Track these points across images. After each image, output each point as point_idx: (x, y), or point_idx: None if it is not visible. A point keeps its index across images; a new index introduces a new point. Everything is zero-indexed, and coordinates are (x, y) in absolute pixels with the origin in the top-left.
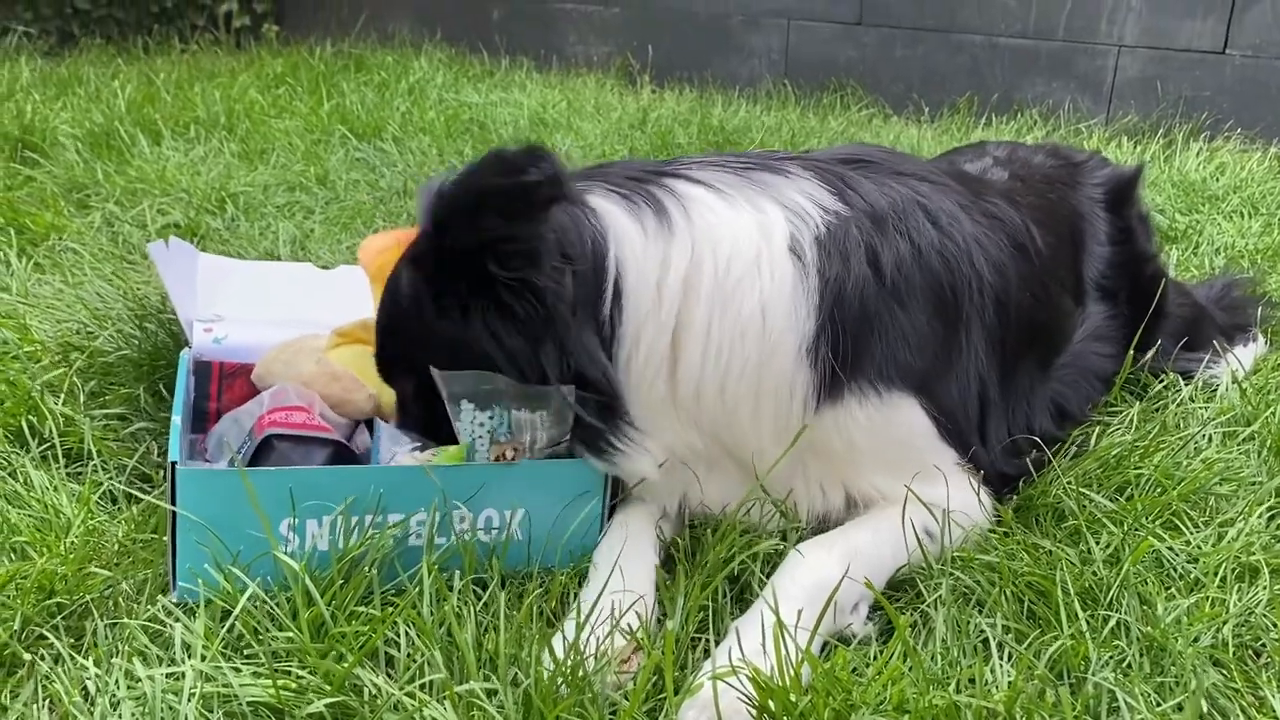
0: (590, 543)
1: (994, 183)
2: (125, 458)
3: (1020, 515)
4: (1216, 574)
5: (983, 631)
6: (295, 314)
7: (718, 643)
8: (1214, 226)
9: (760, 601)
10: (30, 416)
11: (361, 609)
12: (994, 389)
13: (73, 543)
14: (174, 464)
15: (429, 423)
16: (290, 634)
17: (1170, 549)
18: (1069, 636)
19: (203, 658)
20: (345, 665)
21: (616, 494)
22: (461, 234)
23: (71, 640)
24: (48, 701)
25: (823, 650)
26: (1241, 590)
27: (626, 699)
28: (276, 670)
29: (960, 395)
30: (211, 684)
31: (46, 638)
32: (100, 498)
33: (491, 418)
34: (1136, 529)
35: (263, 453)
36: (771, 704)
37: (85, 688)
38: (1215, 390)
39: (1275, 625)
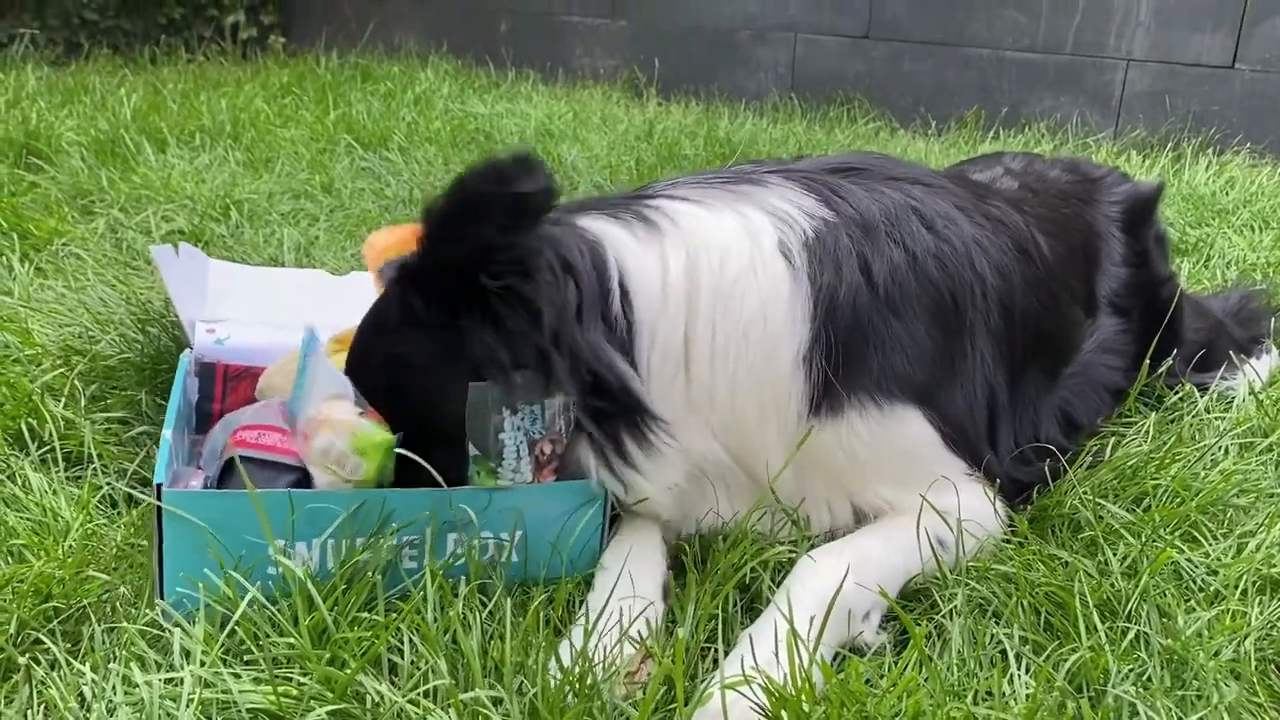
0: (592, 550)
1: (999, 189)
2: (126, 461)
3: (1036, 525)
4: (1237, 586)
5: (999, 643)
6: (303, 319)
7: (727, 652)
8: (1224, 240)
9: (771, 609)
10: (30, 419)
11: (364, 615)
12: (1003, 394)
13: (71, 546)
14: (159, 486)
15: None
16: (291, 639)
17: (1189, 561)
18: (1088, 648)
19: (202, 663)
20: (348, 672)
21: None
22: (451, 245)
23: (68, 645)
24: (43, 707)
25: (835, 660)
26: (1263, 603)
27: (635, 709)
28: (277, 677)
29: (967, 403)
30: (210, 690)
31: (43, 642)
32: (100, 501)
33: (524, 418)
34: (1154, 540)
35: (228, 473)
36: (785, 714)
37: (82, 693)
38: (1232, 401)
39: None
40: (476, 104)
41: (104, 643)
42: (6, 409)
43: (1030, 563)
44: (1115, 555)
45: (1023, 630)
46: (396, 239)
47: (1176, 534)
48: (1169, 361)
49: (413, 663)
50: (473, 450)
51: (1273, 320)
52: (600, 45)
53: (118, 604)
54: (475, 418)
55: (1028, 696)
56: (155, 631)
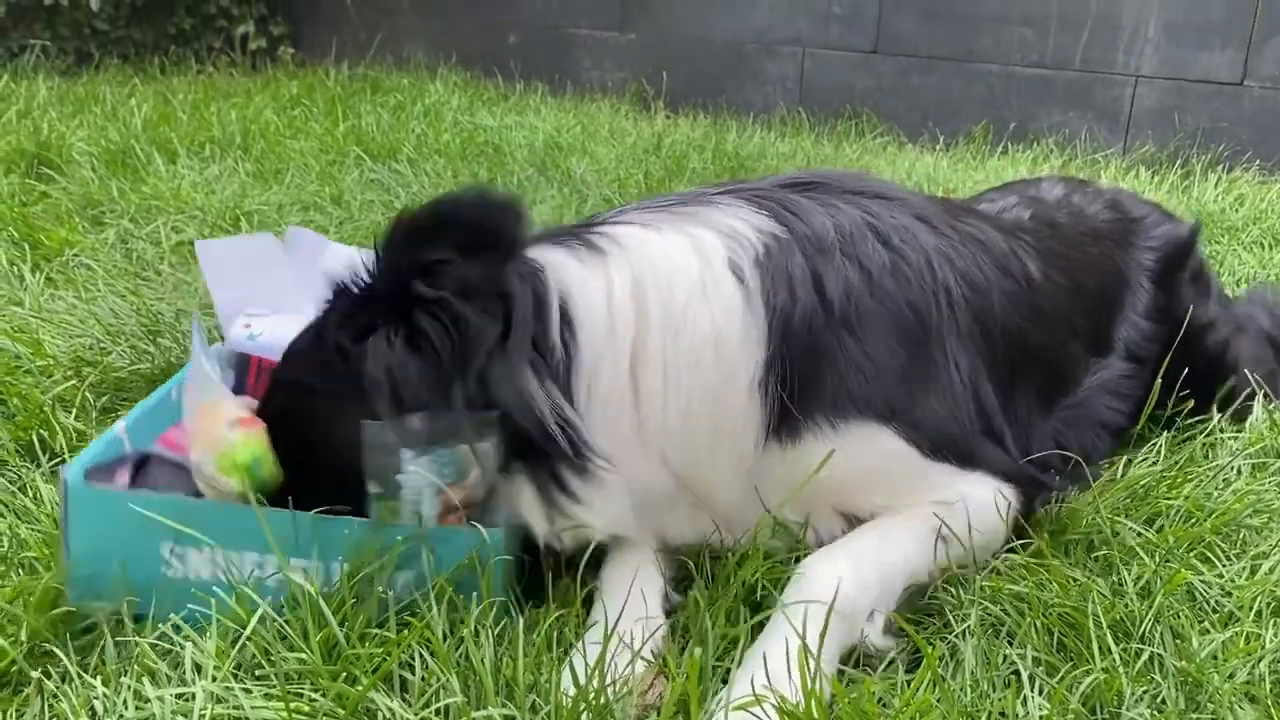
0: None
1: (992, 218)
2: None
3: (1051, 545)
4: (1251, 608)
5: (1013, 663)
6: None
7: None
8: (1235, 257)
9: (773, 624)
10: (42, 431)
11: (375, 631)
12: (990, 399)
13: None
14: (65, 479)
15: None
16: (302, 655)
17: (1203, 582)
18: (1102, 670)
19: (213, 678)
20: (359, 689)
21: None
22: (404, 254)
23: (79, 658)
24: None
25: (843, 675)
26: (1278, 625)
27: None
28: (289, 693)
29: (949, 409)
30: (222, 705)
31: (54, 654)
32: None
33: (433, 461)
34: (1168, 561)
35: (141, 469)
36: None
37: (93, 707)
38: (1244, 421)
39: None
40: (485, 116)
41: (115, 656)
42: (19, 420)
43: (1043, 582)
44: (1129, 575)
45: (1036, 651)
46: None
47: (1191, 554)
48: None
49: (423, 679)
50: (372, 489)
51: None
52: (609, 58)
53: (127, 618)
54: (372, 456)
55: (1042, 718)
56: (166, 645)
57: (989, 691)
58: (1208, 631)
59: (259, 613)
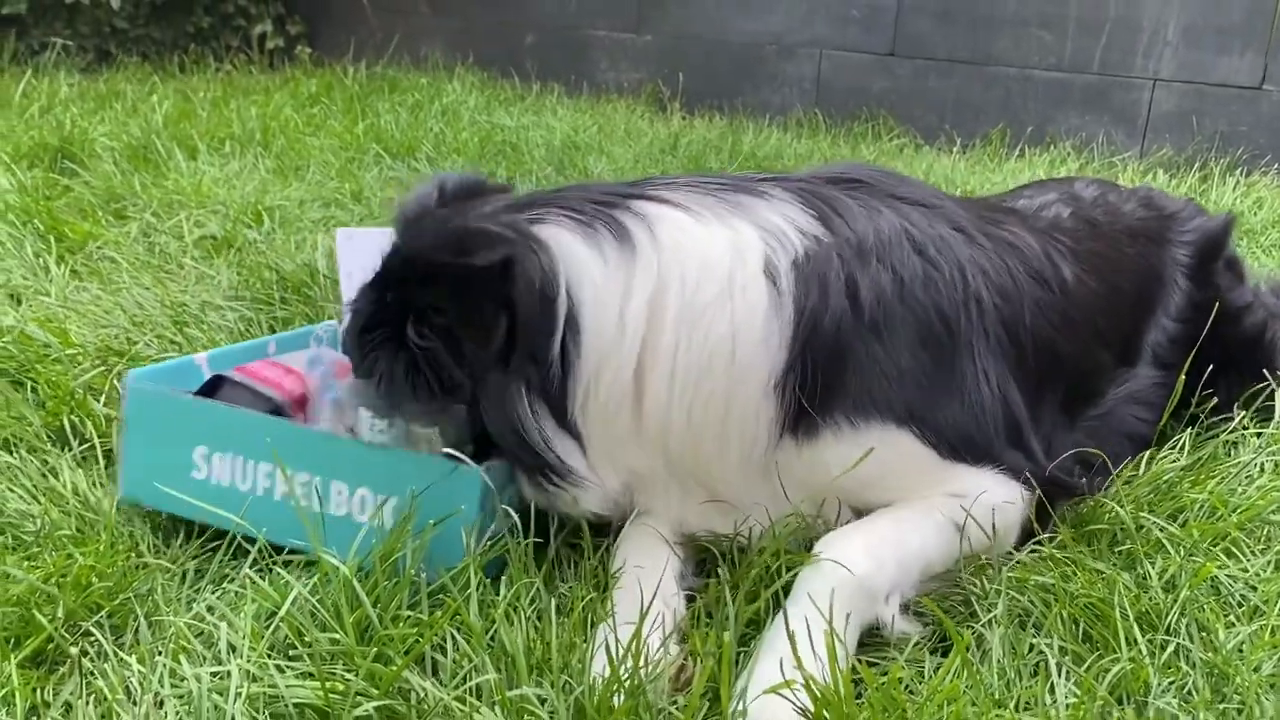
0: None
1: (1035, 217)
2: None
3: (1074, 533)
4: (1277, 603)
5: (1041, 653)
6: None
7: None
8: (1254, 260)
9: (794, 605)
10: (72, 417)
11: (409, 612)
12: (1020, 409)
13: (113, 543)
14: (128, 378)
15: None
16: (335, 635)
17: (1229, 576)
18: (1129, 660)
19: (248, 658)
20: (393, 669)
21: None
22: (398, 291)
23: (114, 637)
24: (92, 698)
25: (873, 665)
26: None
27: (679, 710)
28: (323, 672)
29: (973, 414)
30: (257, 685)
31: (91, 634)
32: None
33: (385, 430)
34: (1193, 555)
35: (213, 388)
36: (828, 715)
37: (129, 685)
38: (1270, 418)
39: None
40: (503, 116)
41: (150, 636)
42: (49, 406)
43: (1069, 574)
44: (1154, 569)
45: (1062, 641)
46: None
47: (1216, 549)
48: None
49: (455, 660)
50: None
51: None
52: (625, 59)
53: (159, 600)
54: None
55: (1069, 706)
56: (200, 625)
57: (1015, 680)
58: (1233, 625)
59: (293, 593)
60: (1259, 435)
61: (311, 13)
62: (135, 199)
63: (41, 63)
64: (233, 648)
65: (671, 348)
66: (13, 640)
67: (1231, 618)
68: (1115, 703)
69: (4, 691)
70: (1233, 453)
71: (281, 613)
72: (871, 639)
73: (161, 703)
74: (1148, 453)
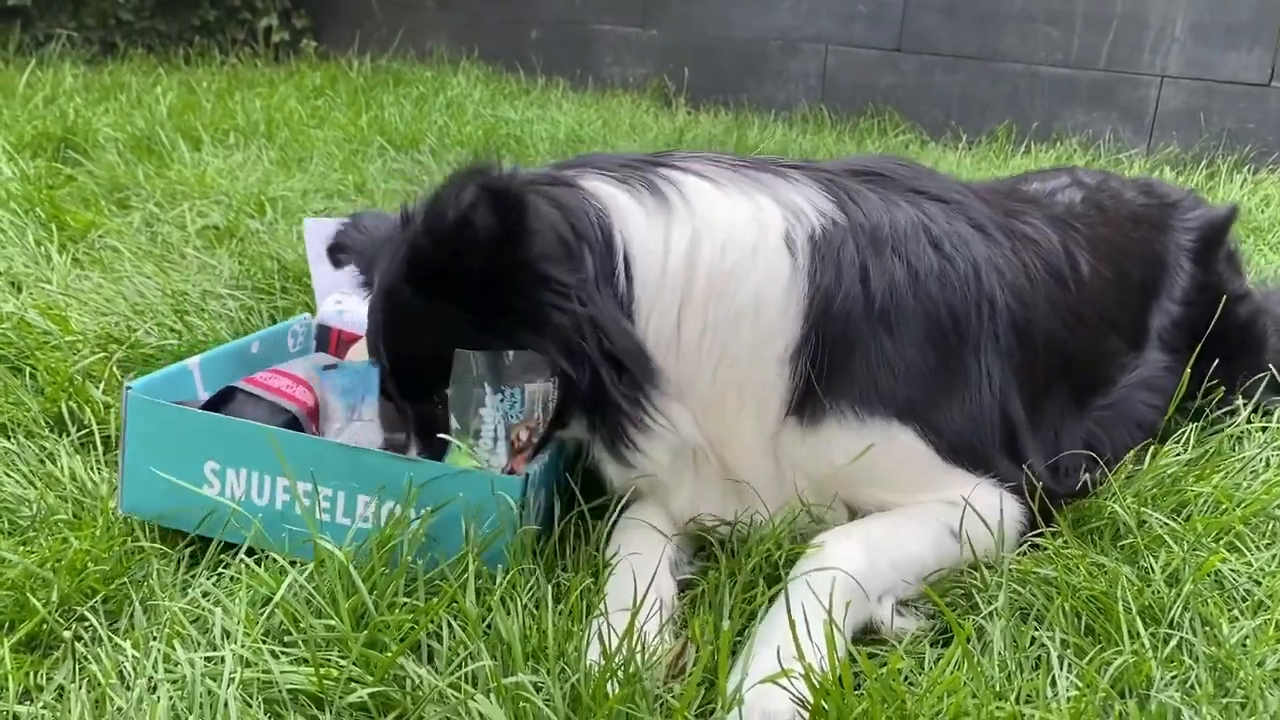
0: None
1: (1051, 203)
2: None
3: (1076, 530)
4: None
5: (1042, 646)
6: None
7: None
8: (1261, 257)
9: (789, 597)
10: (70, 403)
11: (404, 599)
12: (1018, 412)
13: (108, 528)
14: (129, 389)
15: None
16: (331, 621)
17: (1232, 570)
18: (1131, 653)
19: (242, 644)
20: (388, 655)
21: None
22: (461, 268)
23: (109, 622)
24: (85, 682)
25: (873, 657)
26: None
27: (674, 698)
28: (318, 658)
29: (972, 419)
30: (251, 670)
31: (86, 619)
32: None
33: (503, 400)
34: (1196, 549)
35: (223, 399)
36: (826, 705)
37: (122, 670)
38: (1273, 412)
39: None
40: (507, 110)
41: (145, 621)
42: (48, 392)
43: (1071, 567)
44: (1156, 563)
45: (1064, 634)
46: None
47: (1220, 543)
48: (1254, 398)
49: (451, 648)
50: (454, 424)
51: None
52: (630, 54)
53: (154, 585)
54: (458, 387)
55: (1070, 699)
56: (195, 610)
57: (1016, 673)
58: (1237, 619)
59: (288, 580)
60: (1264, 430)
61: (317, 7)
62: (138, 189)
63: (46, 54)
64: (227, 633)
65: (703, 304)
66: (6, 624)
67: (1235, 612)
68: (1117, 696)
69: None
70: (1237, 447)
71: (276, 598)
72: (872, 632)
73: (155, 687)
74: (1152, 447)
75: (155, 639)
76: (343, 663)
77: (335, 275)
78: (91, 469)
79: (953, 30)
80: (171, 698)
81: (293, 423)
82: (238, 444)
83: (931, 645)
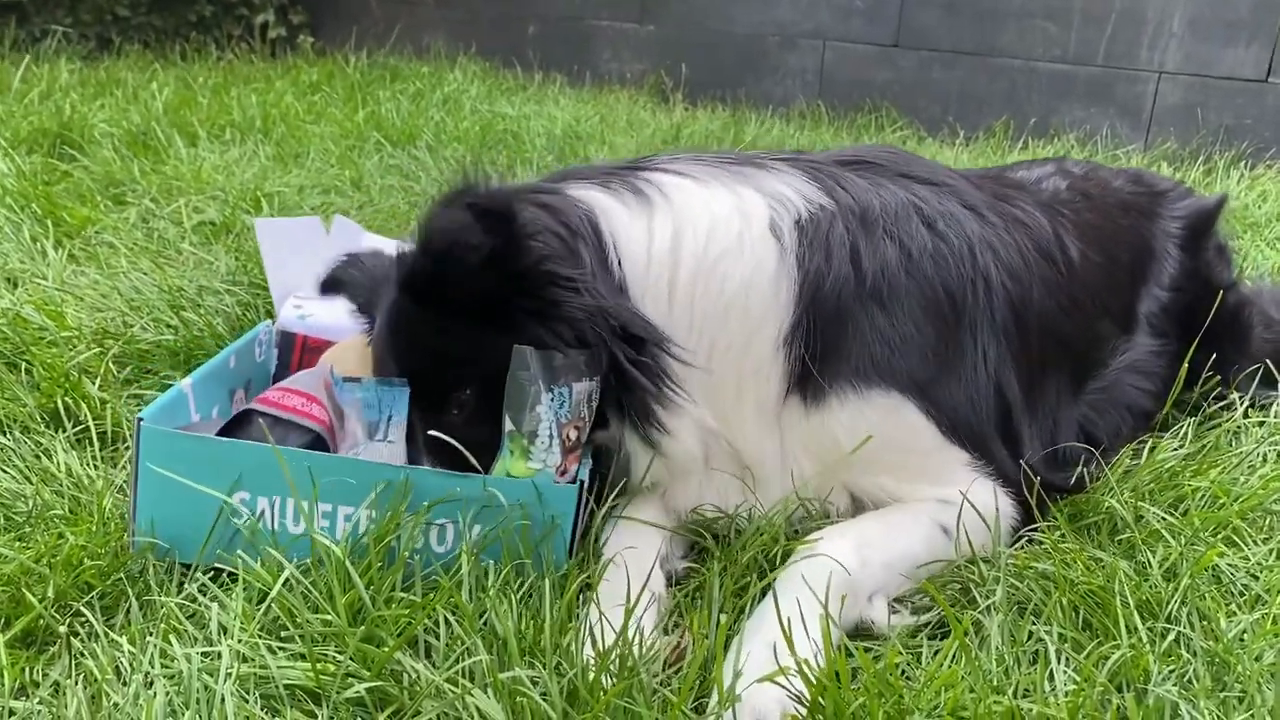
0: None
1: (1037, 190)
2: None
3: (1073, 525)
4: (1279, 591)
5: (1040, 640)
6: None
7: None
8: (1258, 252)
9: (780, 595)
10: (66, 399)
11: (401, 594)
12: (1014, 392)
13: (105, 523)
14: (140, 420)
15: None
16: (328, 617)
17: (1230, 565)
18: (1129, 647)
19: (239, 639)
20: (385, 650)
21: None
22: (466, 286)
23: (105, 618)
24: (81, 677)
25: (870, 650)
26: None
27: (673, 691)
28: (314, 653)
29: (969, 396)
30: (248, 665)
31: (82, 614)
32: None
33: (553, 399)
34: (1194, 543)
35: (241, 424)
36: (824, 701)
37: (119, 665)
38: (1270, 407)
39: None
40: (504, 105)
41: (140, 616)
42: (43, 388)
43: (1069, 562)
44: (1154, 557)
45: (1062, 628)
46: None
47: (1217, 538)
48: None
49: (448, 644)
50: (508, 425)
51: None
52: (628, 49)
53: (151, 580)
54: (515, 385)
55: (1068, 693)
56: (192, 606)
57: (1014, 667)
58: (1234, 613)
59: (285, 574)
60: (1261, 425)
61: (314, 2)
62: (134, 185)
63: (42, 50)
64: (224, 628)
65: (689, 295)
66: (2, 620)
67: (1233, 606)
68: (1115, 690)
69: None
70: (1234, 442)
71: (273, 594)
72: (865, 631)
73: (151, 683)
74: (1149, 441)
75: (151, 634)
76: (340, 658)
77: (290, 276)
78: (87, 465)
79: (950, 26)
80: (168, 693)
81: (317, 442)
82: (269, 472)
83: (929, 639)
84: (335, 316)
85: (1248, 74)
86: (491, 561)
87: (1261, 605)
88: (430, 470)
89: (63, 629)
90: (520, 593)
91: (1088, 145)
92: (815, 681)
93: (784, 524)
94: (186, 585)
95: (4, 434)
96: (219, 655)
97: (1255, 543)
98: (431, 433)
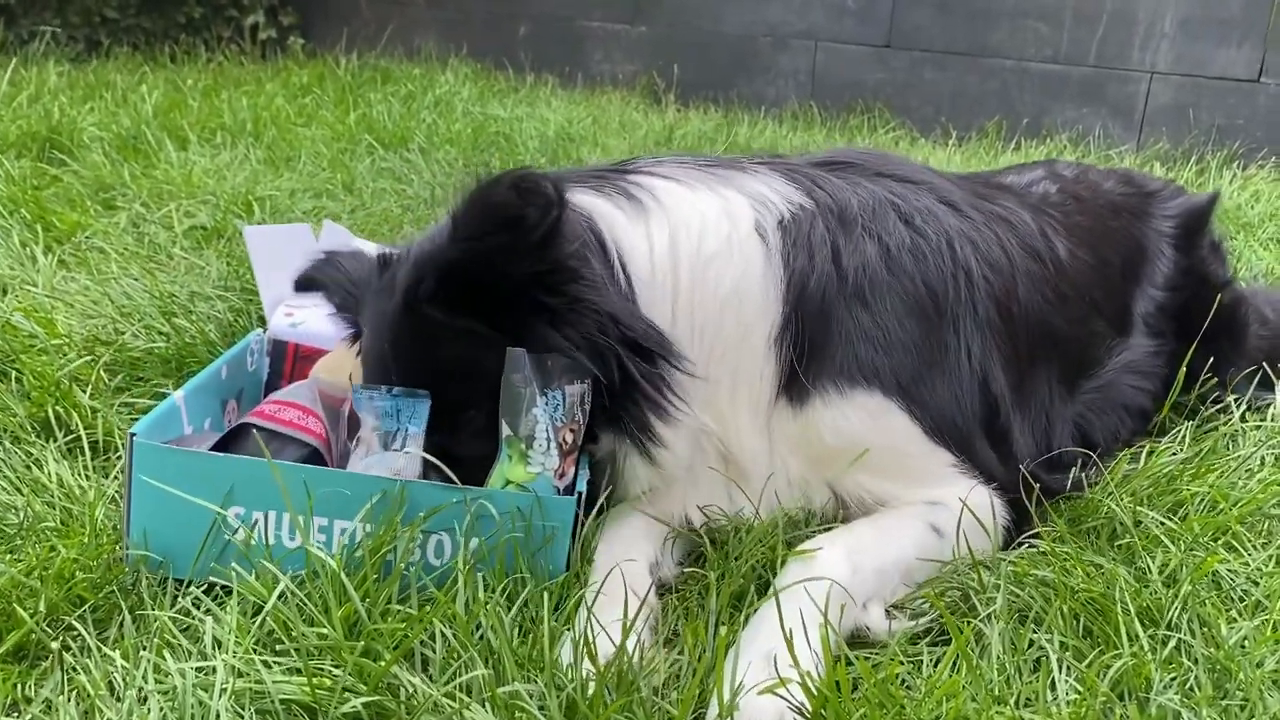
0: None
1: (1025, 194)
2: None
3: (1072, 529)
4: (1279, 597)
5: (1041, 649)
6: None
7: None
8: (1251, 252)
9: (773, 603)
10: (57, 408)
11: (398, 608)
12: (1000, 386)
13: (97, 535)
14: (133, 435)
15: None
16: (324, 630)
17: (1230, 570)
18: (1130, 656)
19: (234, 653)
20: (381, 664)
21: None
22: (496, 276)
23: (98, 632)
24: (74, 693)
25: (869, 659)
26: None
27: (673, 704)
28: (311, 668)
29: (953, 393)
30: (243, 680)
31: (74, 628)
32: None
33: (547, 402)
34: (1194, 549)
35: (237, 438)
36: (825, 713)
37: (112, 681)
38: (1267, 410)
39: None
40: (496, 107)
41: (134, 630)
42: (34, 397)
43: (1068, 568)
44: (1154, 563)
45: (1063, 636)
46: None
47: (1217, 543)
48: (1219, 383)
49: (445, 658)
50: (505, 431)
51: None
52: (620, 51)
53: (144, 593)
54: (510, 389)
55: (1070, 702)
56: (186, 619)
57: (1015, 676)
58: (1235, 620)
59: (279, 587)
60: (1259, 428)
61: (305, 4)
62: (124, 189)
63: (30, 52)
64: (218, 642)
65: (689, 298)
66: None
67: (1233, 613)
68: (1117, 699)
69: None
70: (1232, 446)
71: (268, 607)
72: (860, 638)
73: (145, 698)
74: (1147, 446)
75: (145, 649)
76: (336, 672)
77: (281, 284)
78: (79, 475)
79: (943, 26)
80: (162, 709)
81: (314, 456)
82: (263, 486)
83: (929, 648)
84: (327, 324)
85: (1239, 74)
86: (487, 573)
87: (1262, 611)
88: (427, 484)
89: (55, 644)
90: (517, 606)
91: (1080, 146)
92: (815, 692)
93: (782, 531)
94: (180, 599)
95: None
96: (213, 670)
97: (1255, 548)
98: (434, 461)
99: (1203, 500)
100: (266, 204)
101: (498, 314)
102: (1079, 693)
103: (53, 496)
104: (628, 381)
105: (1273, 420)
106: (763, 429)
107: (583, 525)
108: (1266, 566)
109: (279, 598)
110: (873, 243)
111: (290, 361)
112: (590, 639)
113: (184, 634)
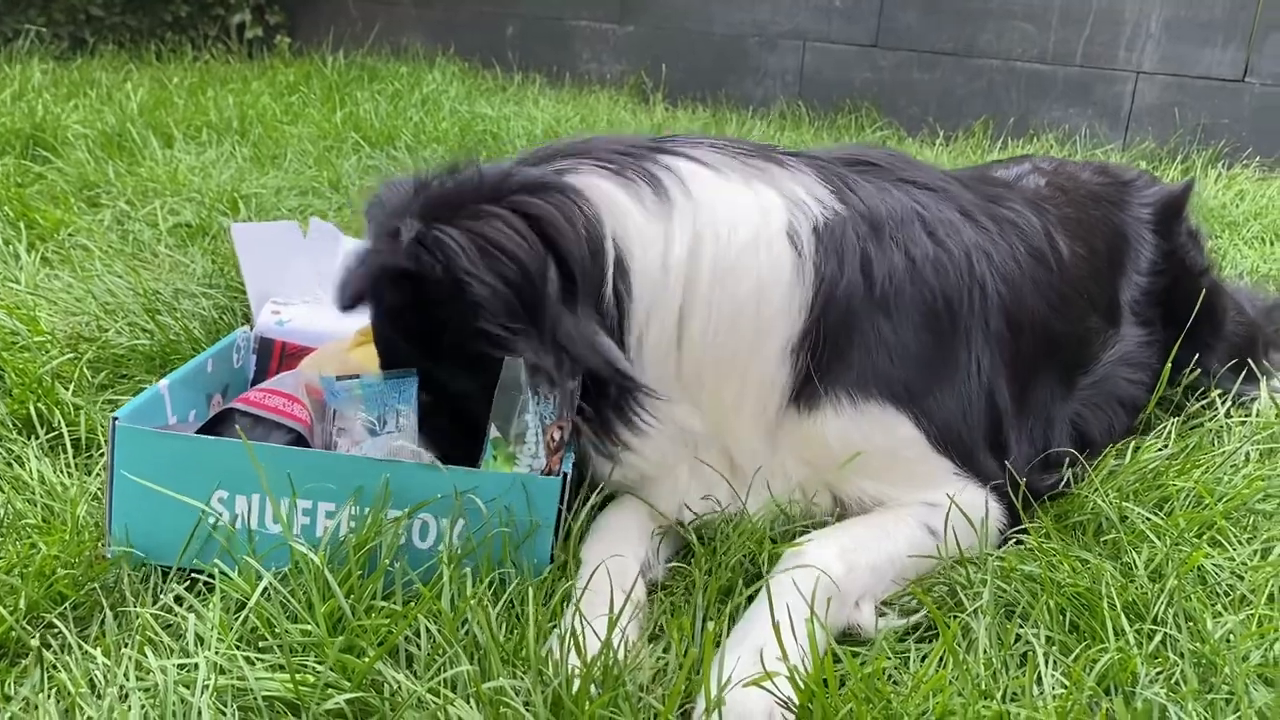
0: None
1: (1021, 188)
2: None
3: (1058, 526)
4: (1264, 592)
5: (1028, 643)
6: None
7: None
8: (1236, 251)
9: (764, 599)
10: (39, 405)
11: (382, 604)
12: (1004, 398)
13: (79, 532)
14: (115, 420)
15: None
16: (307, 627)
17: (1215, 565)
18: (1116, 650)
19: (216, 650)
20: (365, 660)
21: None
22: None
23: (79, 630)
24: (54, 691)
25: (856, 655)
26: None
27: (659, 700)
28: (294, 665)
29: (960, 407)
30: (225, 677)
31: (54, 626)
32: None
33: (539, 402)
34: (1179, 543)
35: (222, 423)
36: (813, 707)
37: (92, 679)
38: (1251, 405)
39: None
40: (484, 106)
41: (116, 628)
42: (16, 394)
43: (1055, 564)
44: (1140, 558)
45: (1049, 631)
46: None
47: (1202, 538)
48: (1201, 370)
49: (429, 653)
50: (493, 432)
51: None
52: (608, 50)
53: (126, 590)
54: (504, 395)
55: (1056, 696)
56: (167, 616)
57: (1001, 671)
58: (1220, 614)
59: (263, 583)
60: (1244, 424)
61: (291, 3)
62: (109, 186)
63: (15, 50)
64: (200, 639)
65: (707, 300)
66: None
67: (1219, 607)
68: (1103, 693)
69: None
70: (1217, 441)
71: (251, 603)
72: (852, 635)
73: (126, 696)
74: (1133, 441)
75: (126, 646)
76: (319, 668)
77: (268, 281)
78: (61, 472)
79: (930, 26)
80: (144, 706)
81: (298, 441)
82: (248, 470)
83: (916, 643)
84: (314, 322)
85: (1224, 74)
86: (472, 567)
87: (1247, 605)
88: (414, 464)
89: (35, 641)
90: (503, 600)
91: (1066, 145)
92: (803, 687)
93: (769, 527)
94: (162, 595)
95: None
96: (196, 667)
97: (1240, 542)
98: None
99: (1188, 495)
100: (252, 202)
101: (436, 347)
102: (1065, 687)
103: (34, 494)
104: (587, 398)
105: (1257, 416)
106: (765, 431)
107: (570, 511)
108: (1251, 561)
109: (262, 594)
110: (899, 253)
111: (277, 360)
112: (577, 634)
113: (166, 631)
